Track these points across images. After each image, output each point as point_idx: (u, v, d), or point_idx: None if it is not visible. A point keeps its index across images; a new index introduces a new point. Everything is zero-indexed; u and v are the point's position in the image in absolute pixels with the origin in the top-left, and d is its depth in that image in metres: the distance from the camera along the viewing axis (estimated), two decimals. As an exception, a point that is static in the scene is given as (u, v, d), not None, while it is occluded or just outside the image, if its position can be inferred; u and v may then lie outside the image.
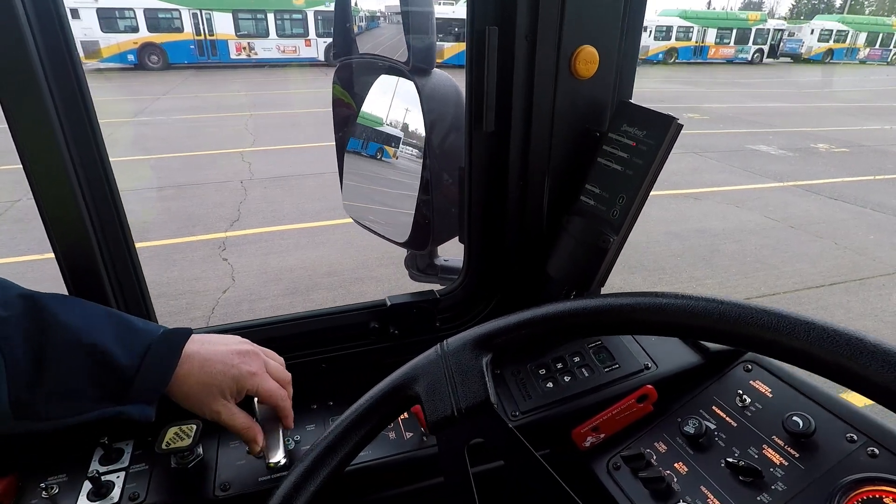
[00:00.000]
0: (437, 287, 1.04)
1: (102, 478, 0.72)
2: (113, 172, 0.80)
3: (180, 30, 20.43)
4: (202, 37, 20.94)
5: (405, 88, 0.93)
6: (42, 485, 0.71)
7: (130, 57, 19.92)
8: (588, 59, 0.79)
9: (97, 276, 0.82)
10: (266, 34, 21.65)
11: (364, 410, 0.52)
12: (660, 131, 0.75)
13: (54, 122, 0.71)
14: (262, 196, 6.29)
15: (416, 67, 0.90)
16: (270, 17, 21.48)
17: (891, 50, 33.56)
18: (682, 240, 5.21)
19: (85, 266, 0.81)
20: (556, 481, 0.43)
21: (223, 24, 21.02)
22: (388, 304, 0.93)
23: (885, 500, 0.59)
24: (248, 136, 9.27)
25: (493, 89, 0.81)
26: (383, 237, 1.07)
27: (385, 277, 4.36)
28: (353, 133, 1.12)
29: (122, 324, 0.67)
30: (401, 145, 1.03)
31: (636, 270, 4.55)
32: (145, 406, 0.65)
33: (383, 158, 1.07)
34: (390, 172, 1.06)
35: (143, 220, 5.28)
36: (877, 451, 0.64)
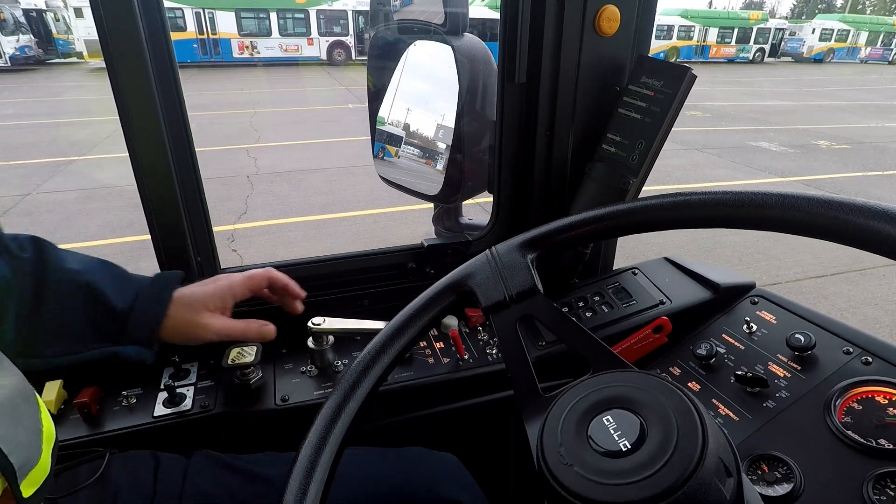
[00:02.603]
0: None
1: (176, 390, 0.81)
2: (197, 159, 0.90)
3: (183, 29, 20.42)
4: (205, 36, 20.99)
5: (439, 52, 1.01)
6: (124, 393, 0.80)
7: (134, 56, 19.96)
8: (611, 17, 0.88)
9: (187, 258, 0.91)
10: (268, 33, 21.71)
11: (425, 303, 0.60)
12: (676, 81, 0.83)
13: (160, 116, 0.80)
14: (268, 190, 6.35)
15: (452, 30, 0.98)
16: (273, 16, 21.54)
17: (892, 49, 33.59)
18: (684, 232, 5.28)
19: (177, 246, 0.90)
20: (604, 348, 0.51)
21: (226, 23, 21.07)
22: (425, 245, 1.02)
23: (876, 398, 0.67)
24: (252, 133, 9.33)
25: (525, 43, 0.89)
26: (413, 192, 1.16)
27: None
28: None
29: (117, 271, 0.70)
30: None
31: (640, 259, 4.63)
32: (142, 348, 0.68)
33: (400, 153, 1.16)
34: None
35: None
36: (870, 359, 0.72)
